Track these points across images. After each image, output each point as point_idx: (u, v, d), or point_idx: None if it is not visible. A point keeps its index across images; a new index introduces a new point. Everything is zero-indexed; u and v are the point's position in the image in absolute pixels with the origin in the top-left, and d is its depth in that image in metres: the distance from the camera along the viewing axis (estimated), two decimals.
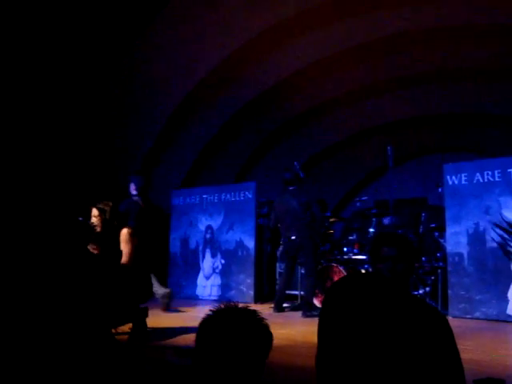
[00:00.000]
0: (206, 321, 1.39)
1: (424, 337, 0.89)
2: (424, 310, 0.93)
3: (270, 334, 1.41)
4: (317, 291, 6.83)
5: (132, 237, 4.84)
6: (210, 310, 1.42)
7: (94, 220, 4.79)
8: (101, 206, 4.85)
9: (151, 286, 6.56)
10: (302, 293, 7.14)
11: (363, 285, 0.96)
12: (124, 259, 4.70)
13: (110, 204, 4.90)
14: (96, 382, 1.63)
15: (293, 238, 6.67)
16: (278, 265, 7.99)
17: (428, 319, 0.92)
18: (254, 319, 1.39)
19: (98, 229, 4.76)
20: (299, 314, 6.48)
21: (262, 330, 1.39)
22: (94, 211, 4.85)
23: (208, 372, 1.31)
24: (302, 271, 7.17)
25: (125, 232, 4.84)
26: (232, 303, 1.45)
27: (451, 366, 0.92)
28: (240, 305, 1.46)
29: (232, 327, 1.34)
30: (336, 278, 6.74)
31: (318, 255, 7.09)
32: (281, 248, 7.18)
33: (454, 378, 0.91)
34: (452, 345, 0.93)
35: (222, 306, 1.43)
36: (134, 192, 6.78)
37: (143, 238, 5.37)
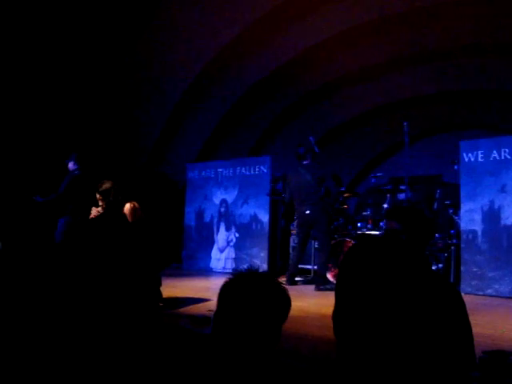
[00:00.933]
0: (228, 284, 1.44)
1: (437, 304, 0.93)
2: (436, 277, 0.97)
3: (289, 298, 1.46)
4: (330, 265, 6.89)
5: (134, 210, 4.94)
6: (231, 273, 1.47)
7: (101, 203, 4.93)
8: (102, 188, 4.94)
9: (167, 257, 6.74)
10: (315, 267, 7.20)
11: (378, 247, 0.99)
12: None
13: (111, 182, 4.98)
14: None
15: (307, 212, 6.70)
16: (291, 239, 8.04)
17: (440, 285, 0.96)
18: (273, 283, 1.44)
19: (101, 210, 4.91)
20: (312, 287, 6.55)
21: (281, 294, 1.44)
22: (98, 196, 4.96)
23: (228, 335, 1.37)
24: (316, 245, 7.22)
25: (127, 207, 4.94)
26: (252, 268, 1.50)
27: (462, 333, 0.95)
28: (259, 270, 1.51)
29: (252, 289, 1.39)
30: None
31: (332, 230, 7.13)
32: (295, 222, 7.21)
33: (465, 345, 0.95)
34: (463, 312, 0.97)
35: (243, 270, 1.48)
36: (73, 167, 7.11)
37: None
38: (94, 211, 5.06)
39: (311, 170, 6.78)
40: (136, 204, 5.01)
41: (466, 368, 0.96)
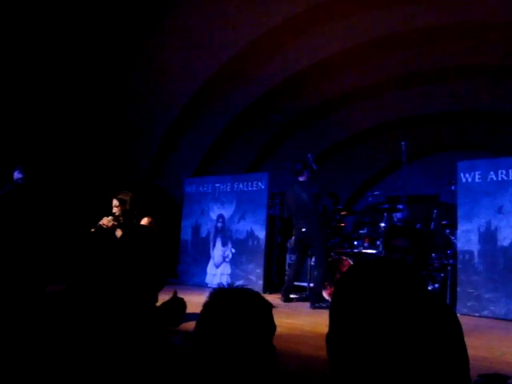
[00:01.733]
0: (207, 302, 1.43)
1: (432, 326, 0.92)
2: (432, 298, 0.96)
3: (270, 314, 1.43)
4: (326, 283, 6.86)
5: (151, 225, 4.90)
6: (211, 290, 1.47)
7: (116, 210, 4.89)
8: (121, 196, 4.93)
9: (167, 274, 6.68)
10: (311, 284, 7.17)
11: (376, 269, 0.98)
12: None
13: (130, 194, 4.99)
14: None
15: (303, 229, 6.70)
16: (288, 256, 8.02)
17: (436, 307, 0.95)
18: (253, 298, 1.42)
19: (122, 219, 4.87)
20: (307, 304, 6.52)
21: (261, 309, 1.41)
22: (115, 202, 4.93)
23: (208, 350, 1.35)
24: (312, 263, 7.20)
25: (146, 220, 4.90)
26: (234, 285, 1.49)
27: (457, 356, 0.94)
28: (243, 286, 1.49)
29: (231, 305, 1.38)
30: None
31: (329, 248, 7.11)
32: (293, 239, 7.21)
33: (459, 369, 0.94)
34: (459, 334, 0.96)
35: (222, 287, 1.47)
36: (18, 176, 6.92)
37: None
38: (105, 220, 5.01)
39: (307, 186, 6.79)
40: (152, 219, 5.00)
41: None
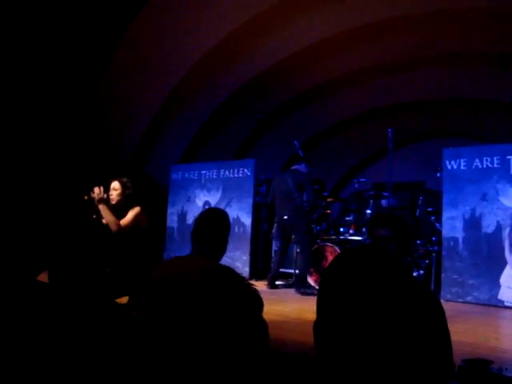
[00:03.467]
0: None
1: (416, 313, 0.92)
2: (417, 285, 0.96)
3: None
4: (312, 270, 6.90)
5: (141, 214, 4.85)
6: None
7: (113, 193, 4.80)
8: (125, 180, 4.86)
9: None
10: (296, 271, 7.20)
11: (362, 258, 0.99)
12: (122, 222, 4.72)
13: (131, 181, 4.92)
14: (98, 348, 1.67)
15: (285, 217, 6.72)
16: (273, 243, 8.04)
17: (420, 294, 0.95)
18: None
19: (114, 202, 4.79)
20: (292, 291, 6.55)
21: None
22: (116, 184, 4.84)
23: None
24: (298, 250, 7.22)
25: (136, 210, 4.84)
26: None
27: (440, 341, 0.95)
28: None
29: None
30: (331, 258, 6.79)
31: (314, 235, 7.14)
32: (274, 226, 7.23)
33: (443, 353, 0.95)
34: (442, 320, 0.96)
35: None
36: None
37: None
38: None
39: (296, 174, 6.79)
40: (141, 208, 4.95)
41: (444, 377, 0.95)
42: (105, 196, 4.71)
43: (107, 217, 4.64)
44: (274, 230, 7.50)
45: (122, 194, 4.80)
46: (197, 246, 2.53)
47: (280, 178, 6.97)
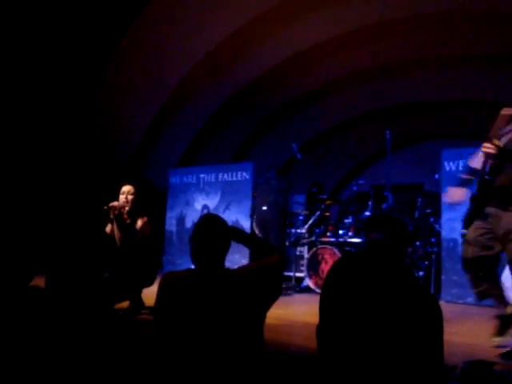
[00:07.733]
0: None
1: (414, 311, 0.92)
2: (414, 285, 0.97)
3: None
4: (311, 272, 6.89)
5: (147, 225, 4.85)
6: None
7: (129, 197, 4.78)
8: (134, 185, 4.86)
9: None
10: (296, 274, 7.20)
11: (363, 262, 0.98)
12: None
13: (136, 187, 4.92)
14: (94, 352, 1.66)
15: (264, 208, 6.78)
16: None
17: (418, 294, 0.95)
18: None
19: (130, 206, 4.78)
20: (293, 294, 6.55)
21: None
22: (131, 188, 4.81)
23: None
24: (298, 253, 7.22)
25: (145, 218, 4.83)
26: None
27: (433, 340, 0.95)
28: None
29: None
30: (330, 260, 6.79)
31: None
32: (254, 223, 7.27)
33: (434, 352, 0.95)
34: (438, 321, 0.96)
35: None
36: None
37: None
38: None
39: (280, 181, 6.90)
40: (147, 219, 4.94)
41: (435, 381, 0.95)
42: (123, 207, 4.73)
43: (118, 234, 4.67)
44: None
45: (133, 200, 4.80)
46: (204, 256, 2.35)
47: (266, 182, 7.11)
